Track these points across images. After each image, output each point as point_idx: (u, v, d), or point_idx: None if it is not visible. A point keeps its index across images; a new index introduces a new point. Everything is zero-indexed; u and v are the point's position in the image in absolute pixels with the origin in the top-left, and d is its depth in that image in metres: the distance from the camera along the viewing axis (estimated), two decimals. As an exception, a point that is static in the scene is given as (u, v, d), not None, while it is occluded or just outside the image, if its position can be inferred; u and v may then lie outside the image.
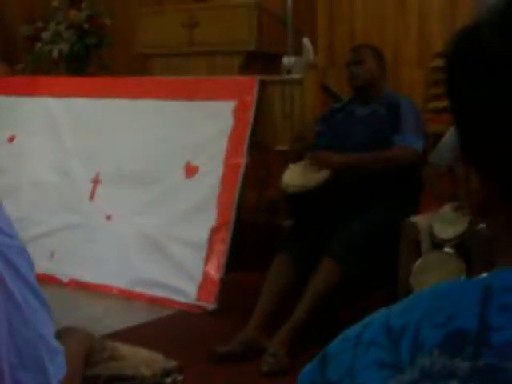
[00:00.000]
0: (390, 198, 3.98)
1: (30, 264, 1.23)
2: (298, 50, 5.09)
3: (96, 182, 5.24)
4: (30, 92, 5.80)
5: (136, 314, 4.49)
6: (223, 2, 6.20)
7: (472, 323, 0.71)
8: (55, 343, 1.19)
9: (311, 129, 4.40)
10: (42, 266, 4.71)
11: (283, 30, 5.20)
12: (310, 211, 4.07)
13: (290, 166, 4.16)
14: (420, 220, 3.72)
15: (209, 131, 4.91)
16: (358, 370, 0.77)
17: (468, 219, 3.44)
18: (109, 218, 5.09)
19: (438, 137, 4.15)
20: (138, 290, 4.74)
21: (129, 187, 5.06)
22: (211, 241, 4.63)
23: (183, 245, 4.71)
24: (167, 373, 2.74)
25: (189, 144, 4.94)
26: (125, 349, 2.73)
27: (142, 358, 2.71)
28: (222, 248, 4.60)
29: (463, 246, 3.50)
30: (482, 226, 3.05)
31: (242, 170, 4.71)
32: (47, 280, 4.72)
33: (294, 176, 4.06)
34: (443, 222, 3.60)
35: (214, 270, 4.56)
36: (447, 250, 3.52)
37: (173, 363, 2.81)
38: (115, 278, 4.85)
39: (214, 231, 4.64)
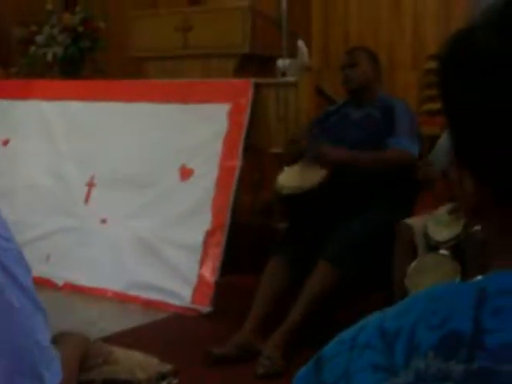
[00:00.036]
0: (385, 199, 3.97)
1: (27, 269, 1.22)
2: (292, 53, 5.10)
3: (91, 185, 5.24)
4: (24, 95, 5.79)
5: (131, 317, 4.48)
6: (217, 5, 6.21)
7: (467, 326, 0.71)
8: (51, 349, 1.19)
9: (305, 132, 4.40)
10: (38, 269, 4.69)
11: (278, 32, 5.20)
12: (304, 213, 4.07)
13: (286, 168, 4.16)
14: (415, 222, 3.72)
15: (203, 134, 4.90)
16: (353, 373, 0.77)
17: (463, 221, 3.44)
18: (103, 221, 5.08)
19: (432, 139, 4.15)
20: (133, 293, 4.74)
21: (123, 190, 5.06)
22: (206, 244, 4.63)
23: (178, 248, 4.71)
24: (162, 376, 2.74)
25: (183, 147, 4.94)
26: (119, 352, 2.73)
27: (136, 362, 2.71)
28: (216, 251, 4.60)
29: (459, 248, 3.50)
30: (477, 228, 3.06)
31: (236, 173, 4.71)
32: (43, 283, 4.72)
33: (289, 178, 4.06)
34: (438, 224, 3.60)
35: (209, 273, 4.56)
36: (443, 251, 3.52)
37: (168, 367, 2.82)
38: (110, 282, 4.84)
39: (209, 234, 4.64)
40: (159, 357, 2.87)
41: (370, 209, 3.92)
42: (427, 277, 3.44)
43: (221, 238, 4.61)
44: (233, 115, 4.83)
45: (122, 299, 4.74)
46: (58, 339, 2.08)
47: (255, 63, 5.58)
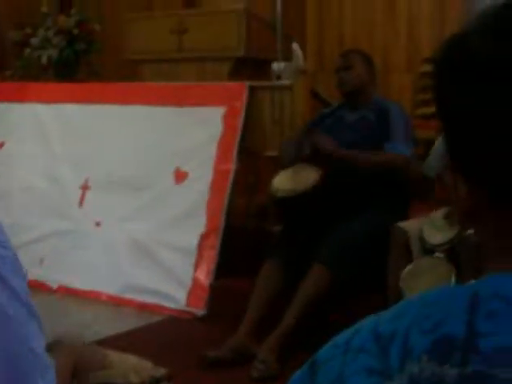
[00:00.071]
0: (380, 202, 3.97)
1: (23, 275, 1.22)
2: (287, 56, 5.10)
3: (85, 188, 5.23)
4: (19, 98, 5.78)
5: (125, 320, 4.47)
6: (212, 7, 6.21)
7: (460, 329, 0.71)
8: (46, 357, 1.18)
9: (301, 135, 4.40)
10: (32, 272, 4.70)
11: (272, 35, 5.21)
12: (299, 216, 4.07)
13: (280, 171, 4.16)
14: (410, 225, 3.73)
15: (198, 137, 4.90)
16: (348, 377, 0.76)
17: (458, 225, 3.44)
18: (98, 224, 5.08)
19: (427, 143, 4.16)
20: (128, 296, 4.73)
21: (118, 193, 5.05)
22: (201, 246, 4.63)
23: (173, 251, 4.70)
24: (156, 380, 2.74)
25: (178, 150, 4.94)
26: (114, 356, 2.72)
27: (130, 365, 2.70)
28: (211, 254, 4.59)
29: (454, 251, 3.50)
30: (471, 232, 3.06)
31: (231, 176, 4.71)
32: (37, 286, 4.71)
33: (284, 181, 4.06)
34: (434, 228, 3.60)
35: (204, 276, 4.55)
36: (438, 255, 3.52)
37: (161, 371, 2.81)
38: (105, 285, 4.84)
39: (204, 237, 4.64)
40: (154, 360, 2.86)
41: (363, 212, 3.92)
42: (422, 280, 3.44)
43: (215, 241, 4.60)
44: (228, 118, 4.83)
45: (116, 302, 4.73)
46: (52, 347, 2.08)
47: (250, 66, 5.58)
